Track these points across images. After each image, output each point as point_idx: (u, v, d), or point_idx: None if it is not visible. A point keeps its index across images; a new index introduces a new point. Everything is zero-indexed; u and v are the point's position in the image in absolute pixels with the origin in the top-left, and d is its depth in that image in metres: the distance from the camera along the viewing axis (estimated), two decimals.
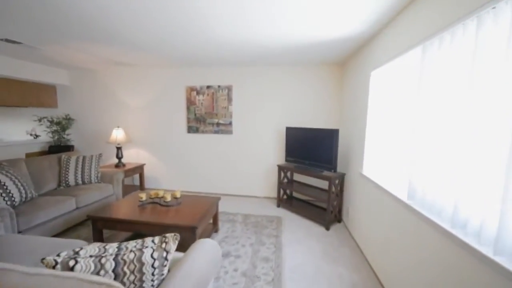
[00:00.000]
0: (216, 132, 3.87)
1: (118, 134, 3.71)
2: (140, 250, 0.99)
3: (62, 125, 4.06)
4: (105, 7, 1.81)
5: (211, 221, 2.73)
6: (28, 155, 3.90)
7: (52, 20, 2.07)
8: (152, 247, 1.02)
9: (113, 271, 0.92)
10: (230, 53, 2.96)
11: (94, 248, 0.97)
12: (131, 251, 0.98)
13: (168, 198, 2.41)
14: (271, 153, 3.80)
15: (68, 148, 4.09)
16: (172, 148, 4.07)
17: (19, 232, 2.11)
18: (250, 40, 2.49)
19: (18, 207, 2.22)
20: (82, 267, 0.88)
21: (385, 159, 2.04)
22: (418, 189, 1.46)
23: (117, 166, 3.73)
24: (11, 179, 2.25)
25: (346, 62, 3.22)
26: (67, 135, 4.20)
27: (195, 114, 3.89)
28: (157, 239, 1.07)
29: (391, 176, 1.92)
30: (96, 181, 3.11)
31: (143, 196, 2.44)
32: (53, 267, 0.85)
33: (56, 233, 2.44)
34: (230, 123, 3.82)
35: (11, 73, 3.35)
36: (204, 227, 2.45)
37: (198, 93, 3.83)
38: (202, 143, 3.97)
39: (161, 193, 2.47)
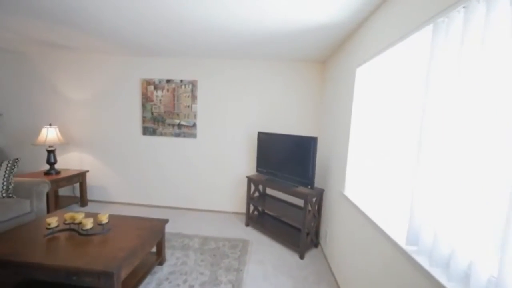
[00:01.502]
0: (177, 135, 3.26)
1: (49, 134, 2.95)
2: None
3: None
4: None
5: (154, 249, 2.11)
6: None
7: None
8: None
9: None
10: (191, 39, 2.39)
11: None
12: None
13: (88, 225, 1.77)
14: (242, 162, 3.26)
15: None
16: (124, 152, 3.38)
17: None
18: (216, 22, 1.94)
19: None
20: None
21: (373, 179, 1.59)
22: (424, 231, 0.99)
23: (47, 173, 2.97)
24: None
25: (328, 60, 2.79)
26: None
27: (152, 113, 3.25)
28: None
29: (382, 204, 1.46)
30: (4, 195, 2.35)
31: (53, 221, 1.77)
32: None
33: None
34: (194, 125, 3.22)
35: None
36: (137, 263, 1.83)
37: (156, 87, 3.20)
38: (160, 147, 3.33)
39: (78, 218, 1.81)
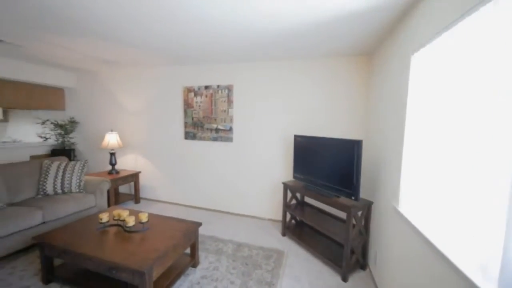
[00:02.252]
0: (214, 139, 3.34)
1: (110, 139, 3.43)
2: None
3: (65, 128, 3.98)
4: None
5: (188, 251, 2.15)
6: (32, 157, 3.87)
7: (22, 13, 1.79)
8: None
9: None
10: (227, 43, 2.41)
11: None
12: None
13: (131, 222, 1.91)
14: (278, 166, 3.11)
15: (69, 152, 3.98)
16: (169, 155, 3.66)
17: None
18: (252, 22, 1.89)
19: None
20: None
21: (438, 193, 1.23)
22: None
23: (109, 173, 3.44)
24: None
25: (376, 51, 2.41)
26: (71, 138, 4.11)
27: (192, 118, 3.42)
28: None
29: (451, 225, 1.10)
30: (77, 190, 2.80)
31: (104, 216, 1.98)
32: None
33: (13, 251, 2.12)
34: (230, 129, 3.25)
35: (14, 75, 3.31)
36: (172, 263, 1.88)
37: (195, 94, 3.37)
38: (200, 151, 3.47)
39: (124, 215, 1.99)
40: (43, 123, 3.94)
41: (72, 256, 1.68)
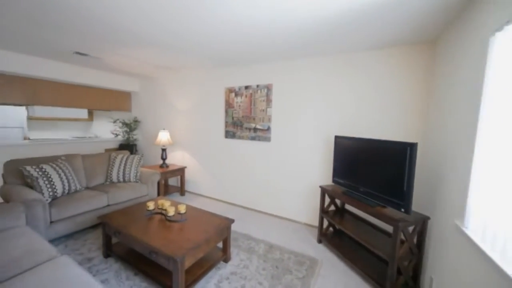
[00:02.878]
0: (252, 138, 3.38)
1: (163, 136, 3.85)
2: None
3: (130, 126, 4.67)
4: (138, 17, 1.67)
5: (221, 245, 2.23)
6: (106, 150, 4.67)
7: (101, 32, 2.22)
8: None
9: None
10: (270, 43, 2.41)
11: None
12: None
13: (171, 212, 2.09)
14: (316, 169, 2.93)
15: (131, 146, 4.64)
16: (210, 153, 3.88)
17: (51, 222, 2.31)
18: (288, 15, 1.85)
19: (58, 199, 2.46)
20: None
21: None
22: None
23: (161, 167, 3.86)
24: (57, 172, 2.53)
25: (441, 36, 2.00)
26: (134, 135, 4.80)
27: (232, 118, 3.54)
28: None
29: None
30: (134, 180, 3.24)
31: (151, 205, 2.22)
32: None
33: (85, 227, 2.59)
34: (268, 129, 3.22)
35: (95, 82, 4.06)
36: (204, 255, 1.97)
37: (236, 94, 3.47)
38: (238, 150, 3.56)
39: (166, 205, 2.19)
40: (114, 122, 4.71)
41: (123, 236, 1.94)
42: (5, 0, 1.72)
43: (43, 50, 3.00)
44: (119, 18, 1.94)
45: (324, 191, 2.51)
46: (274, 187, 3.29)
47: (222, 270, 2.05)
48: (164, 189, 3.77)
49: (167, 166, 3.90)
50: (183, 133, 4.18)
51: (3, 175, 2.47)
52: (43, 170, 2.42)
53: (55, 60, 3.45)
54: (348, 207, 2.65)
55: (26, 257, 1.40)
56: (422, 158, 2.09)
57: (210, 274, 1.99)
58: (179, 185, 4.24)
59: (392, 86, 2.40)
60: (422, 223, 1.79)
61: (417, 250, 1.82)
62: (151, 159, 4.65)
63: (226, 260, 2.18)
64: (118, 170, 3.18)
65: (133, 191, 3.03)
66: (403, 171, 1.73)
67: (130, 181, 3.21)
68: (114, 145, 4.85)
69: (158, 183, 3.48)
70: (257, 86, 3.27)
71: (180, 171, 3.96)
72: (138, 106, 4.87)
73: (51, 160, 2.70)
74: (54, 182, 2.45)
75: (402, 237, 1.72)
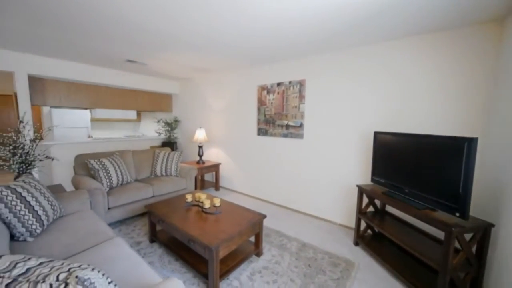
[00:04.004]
0: (285, 135, 3.35)
1: (199, 135, 4.09)
2: (36, 283, 0.75)
3: (171, 125, 5.08)
4: (177, 27, 1.86)
5: (253, 239, 2.28)
6: (151, 147, 5.18)
7: (149, 40, 2.50)
8: (50, 284, 0.75)
9: None
10: (302, 36, 2.37)
11: (8, 261, 0.84)
12: (28, 280, 0.76)
13: (207, 204, 2.22)
14: (352, 167, 2.76)
15: (172, 144, 5.05)
16: (243, 150, 3.98)
17: (109, 208, 2.67)
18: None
19: (113, 189, 2.82)
20: None
21: None
22: None
23: (197, 163, 4.12)
24: (113, 165, 2.92)
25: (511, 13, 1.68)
26: (174, 133, 5.21)
27: (264, 115, 3.57)
28: (64, 275, 0.80)
29: None
30: (175, 174, 3.53)
31: (189, 197, 2.40)
32: None
33: (135, 214, 2.92)
34: (301, 126, 3.16)
35: (142, 86, 4.54)
36: (237, 248, 2.04)
37: (268, 92, 3.48)
38: (270, 147, 3.58)
39: (202, 198, 2.33)
40: (157, 122, 5.19)
41: (166, 224, 2.13)
42: (75, 20, 2.05)
43: (102, 60, 3.47)
44: (166, 26, 2.13)
45: (362, 191, 2.36)
46: (306, 185, 3.21)
47: (254, 264, 2.10)
48: (200, 184, 4.01)
49: (203, 162, 4.13)
50: (218, 131, 4.38)
51: (74, 167, 2.95)
52: (103, 163, 2.81)
53: (112, 68, 3.96)
54: (389, 208, 2.44)
55: (91, 235, 1.66)
56: (481, 156, 1.80)
57: (242, 266, 2.05)
58: (214, 180, 4.46)
59: (446, 72, 2.11)
60: (484, 230, 1.55)
61: (477, 262, 1.58)
62: (189, 156, 4.99)
63: (258, 254, 2.22)
64: (161, 165, 3.50)
65: (174, 184, 3.30)
66: (459, 170, 1.52)
67: (171, 175, 3.50)
68: (158, 142, 5.34)
69: (195, 178, 3.72)
70: (290, 82, 3.23)
71: (215, 167, 4.16)
72: (178, 107, 5.27)
73: (108, 155, 3.12)
74: (111, 174, 2.83)
75: (457, 245, 1.52)
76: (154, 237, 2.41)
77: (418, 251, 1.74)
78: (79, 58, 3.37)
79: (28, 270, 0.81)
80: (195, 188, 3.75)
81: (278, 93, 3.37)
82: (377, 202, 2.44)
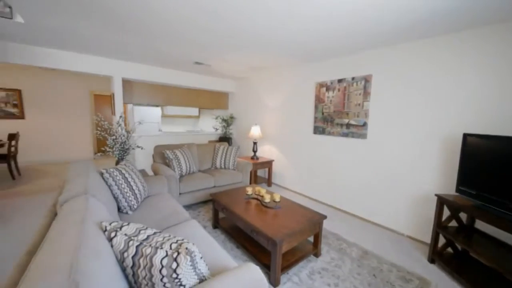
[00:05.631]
0: (344, 134, 3.17)
1: (255, 131, 4.24)
2: (156, 249, 0.93)
3: (227, 122, 5.43)
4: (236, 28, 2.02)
5: (312, 239, 2.26)
6: (210, 142, 5.65)
7: (216, 42, 2.75)
8: (166, 251, 0.92)
9: (132, 257, 0.93)
10: (374, 25, 2.21)
11: (133, 228, 1.05)
12: (150, 245, 0.95)
13: (267, 199, 2.30)
14: (429, 173, 2.42)
15: (228, 139, 5.38)
16: (297, 148, 3.94)
17: (180, 193, 3.04)
18: None
19: (183, 177, 3.20)
20: (116, 242, 0.97)
21: None
22: None
23: (252, 158, 4.29)
24: (183, 157, 3.30)
25: None
26: (230, 129, 5.54)
27: (322, 113, 3.45)
28: (174, 245, 0.95)
29: None
30: (232, 168, 3.76)
31: (249, 190, 2.53)
32: (104, 231, 1.02)
33: (199, 201, 3.24)
34: (364, 125, 2.93)
35: (204, 86, 4.98)
36: (297, 245, 2.06)
37: (328, 89, 3.34)
38: (327, 146, 3.44)
39: (262, 192, 2.42)
40: (216, 118, 5.61)
41: (229, 213, 2.30)
42: (157, 29, 2.39)
43: (174, 63, 3.95)
44: (235, 26, 2.28)
45: (442, 201, 2.05)
46: (367, 189, 2.98)
47: (313, 264, 2.08)
48: (254, 178, 4.17)
49: (257, 158, 4.28)
50: (271, 128, 4.46)
51: (153, 156, 3.47)
52: (175, 154, 3.22)
53: (181, 70, 4.47)
54: (479, 225, 2.05)
55: (174, 215, 1.94)
56: None
57: (301, 264, 2.06)
58: (266, 176, 4.58)
59: None
60: None
61: None
62: (243, 151, 5.24)
63: (317, 254, 2.19)
64: (221, 159, 3.79)
65: (232, 177, 3.53)
66: None
67: (229, 169, 3.75)
68: (215, 137, 5.78)
69: (250, 173, 3.89)
70: (353, 78, 3.02)
71: (268, 164, 4.25)
72: (234, 105, 5.58)
73: (179, 147, 3.55)
74: (181, 163, 3.22)
75: None
76: (217, 223, 2.64)
77: None
78: (157, 62, 3.91)
79: (148, 237, 1.01)
80: (250, 182, 3.92)
81: (338, 90, 3.21)
82: (463, 215, 2.08)
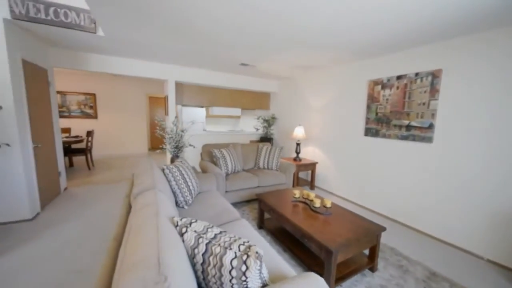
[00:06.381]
0: (404, 137, 2.83)
1: (298, 132, 4.13)
2: (226, 249, 0.94)
3: (268, 122, 5.42)
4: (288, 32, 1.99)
5: (367, 252, 2.07)
6: (251, 141, 5.73)
7: (264, 43, 2.76)
8: (235, 252, 0.93)
9: (203, 255, 0.97)
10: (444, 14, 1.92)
11: (201, 225, 1.09)
12: (219, 245, 0.97)
13: (317, 204, 2.20)
14: None
15: (269, 140, 5.37)
16: (345, 151, 3.69)
17: (226, 191, 3.14)
18: None
19: (229, 175, 3.30)
20: (187, 237, 1.02)
21: None
22: None
23: (294, 160, 4.19)
24: (229, 156, 3.41)
25: None
26: (271, 130, 5.53)
27: (376, 114, 3.15)
28: (242, 247, 0.95)
29: None
30: (275, 168, 3.73)
31: (297, 193, 2.46)
32: (176, 226, 1.08)
33: (244, 200, 3.30)
34: (430, 127, 2.56)
35: (247, 86, 5.07)
36: (352, 257, 1.91)
37: (383, 87, 3.03)
38: (382, 150, 3.13)
39: (311, 196, 2.32)
40: (257, 118, 5.67)
41: (276, 214, 2.27)
42: (203, 35, 2.49)
43: (221, 65, 4.11)
44: (285, 24, 2.24)
45: None
46: (434, 200, 2.60)
47: (369, 279, 1.90)
48: (296, 180, 4.06)
49: (300, 160, 4.16)
50: (315, 129, 4.28)
51: (201, 154, 3.67)
52: (222, 153, 3.34)
53: (226, 72, 4.63)
54: None
55: (225, 212, 2.00)
56: None
57: (356, 277, 1.91)
58: (308, 178, 4.42)
59: None
60: None
61: None
62: (284, 152, 5.17)
63: (373, 269, 1.99)
64: (264, 159, 3.79)
65: (275, 178, 3.50)
66: None
67: (272, 169, 3.73)
68: (256, 137, 5.84)
69: (293, 174, 3.80)
70: (416, 74, 2.67)
71: (312, 166, 4.09)
72: (276, 105, 5.54)
73: (224, 146, 3.68)
74: (227, 162, 3.33)
75: None
76: (261, 224, 2.64)
77: None
78: (205, 65, 4.13)
79: (215, 236, 1.03)
80: (293, 184, 3.83)
81: (397, 87, 2.88)
82: None
